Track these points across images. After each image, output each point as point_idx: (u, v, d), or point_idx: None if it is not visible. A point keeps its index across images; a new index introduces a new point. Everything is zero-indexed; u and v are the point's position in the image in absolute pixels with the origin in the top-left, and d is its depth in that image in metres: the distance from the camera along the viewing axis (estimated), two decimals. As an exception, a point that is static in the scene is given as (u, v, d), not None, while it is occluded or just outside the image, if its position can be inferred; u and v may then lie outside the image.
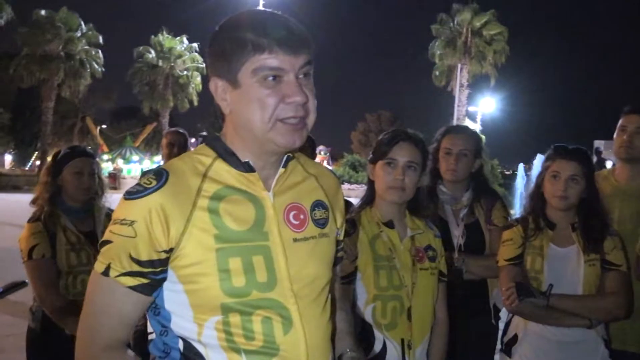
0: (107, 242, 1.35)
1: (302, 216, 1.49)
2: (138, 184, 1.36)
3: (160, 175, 1.36)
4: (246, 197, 1.41)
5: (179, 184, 1.36)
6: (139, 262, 1.32)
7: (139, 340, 2.80)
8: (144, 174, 1.40)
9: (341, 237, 1.67)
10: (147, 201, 1.32)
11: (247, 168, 1.42)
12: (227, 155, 1.43)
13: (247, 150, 1.42)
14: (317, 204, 1.54)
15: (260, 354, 1.37)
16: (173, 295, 1.37)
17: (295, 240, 1.45)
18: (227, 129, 1.46)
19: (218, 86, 1.41)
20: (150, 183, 1.34)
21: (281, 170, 1.47)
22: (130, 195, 1.35)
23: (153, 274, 1.34)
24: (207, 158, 1.43)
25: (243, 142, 1.42)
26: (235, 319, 1.35)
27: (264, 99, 1.35)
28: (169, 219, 1.32)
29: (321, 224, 1.53)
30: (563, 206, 2.67)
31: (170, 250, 1.33)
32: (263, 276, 1.38)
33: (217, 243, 1.35)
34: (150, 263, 1.33)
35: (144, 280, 1.34)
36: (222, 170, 1.42)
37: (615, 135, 3.21)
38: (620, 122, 3.18)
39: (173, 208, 1.32)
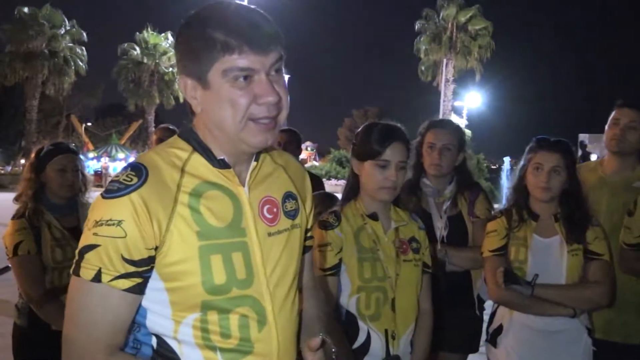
0: (93, 246, 1.27)
1: (275, 209, 1.49)
2: (117, 181, 1.31)
3: (139, 171, 1.31)
4: (224, 192, 1.40)
5: (159, 179, 1.32)
6: (133, 262, 1.28)
7: None
8: (121, 170, 1.36)
9: (309, 225, 1.66)
10: (131, 199, 1.27)
11: (223, 165, 1.41)
12: (203, 150, 1.41)
13: (220, 147, 1.41)
14: (288, 195, 1.54)
15: (235, 352, 1.37)
16: (152, 293, 1.34)
17: (269, 234, 1.45)
18: (198, 125, 1.43)
19: (188, 85, 1.37)
20: (131, 180, 1.29)
21: (254, 163, 1.46)
22: (111, 193, 1.29)
23: (147, 272, 1.30)
24: (183, 152, 1.40)
25: (215, 140, 1.40)
26: (213, 316, 1.35)
27: (236, 100, 1.32)
28: (152, 216, 1.28)
29: (292, 215, 1.53)
30: (546, 197, 2.71)
31: (156, 248, 1.30)
32: (242, 273, 1.38)
33: (200, 240, 1.33)
34: (144, 261, 1.29)
35: (139, 280, 1.30)
36: (200, 165, 1.40)
37: (606, 128, 3.20)
38: (612, 114, 3.18)
39: (156, 205, 1.29)
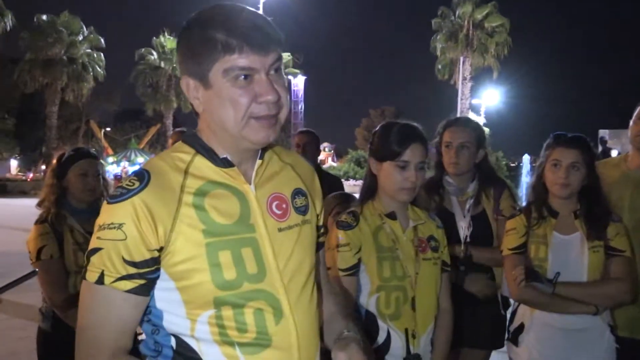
0: (96, 249, 1.32)
1: (284, 205, 1.51)
2: (120, 187, 1.36)
3: (141, 176, 1.36)
4: (229, 190, 1.43)
5: (162, 182, 1.36)
6: (134, 264, 1.31)
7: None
8: (127, 177, 1.40)
9: (320, 223, 1.68)
10: (132, 202, 1.31)
11: (226, 164, 1.43)
12: (206, 152, 1.44)
13: (223, 146, 1.43)
14: (297, 192, 1.56)
15: (253, 346, 1.38)
16: (164, 294, 1.37)
17: (280, 229, 1.47)
18: (202, 126, 1.47)
19: (190, 85, 1.41)
20: (133, 185, 1.34)
21: (259, 162, 1.48)
22: (114, 198, 1.34)
23: (149, 273, 1.33)
24: (186, 155, 1.44)
25: (218, 139, 1.43)
26: (227, 312, 1.36)
27: (237, 99, 1.35)
28: (156, 218, 1.32)
29: (302, 211, 1.55)
30: (565, 194, 2.68)
31: (161, 249, 1.33)
32: (253, 268, 1.39)
33: (206, 238, 1.35)
34: (146, 263, 1.32)
35: (141, 281, 1.33)
36: (203, 166, 1.43)
37: (631, 123, 3.16)
38: (638, 110, 3.13)
39: (158, 207, 1.32)
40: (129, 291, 1.32)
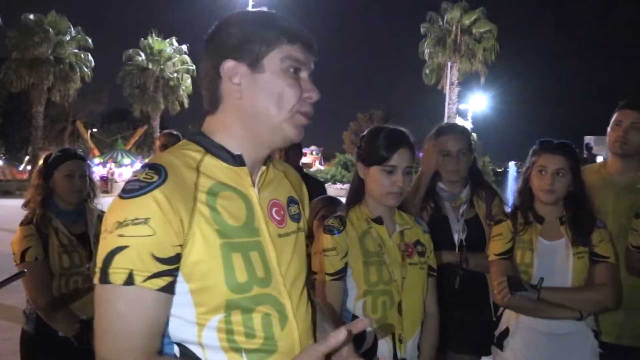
0: (121, 248, 1.21)
1: (282, 212, 1.50)
2: (137, 180, 1.27)
3: (158, 170, 1.28)
4: (236, 193, 1.40)
5: (178, 178, 1.30)
6: (163, 260, 1.23)
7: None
8: (138, 170, 1.33)
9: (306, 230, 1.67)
10: (154, 196, 1.23)
11: (239, 161, 1.40)
12: (216, 150, 1.40)
13: (245, 141, 1.41)
14: (291, 200, 1.56)
15: (260, 352, 1.35)
16: (176, 297, 1.29)
17: (279, 235, 1.46)
18: (224, 119, 1.42)
19: (232, 68, 1.37)
20: (152, 178, 1.26)
21: (263, 167, 1.48)
22: (132, 192, 1.25)
23: (176, 270, 1.26)
24: (196, 153, 1.39)
25: (245, 132, 1.41)
26: (237, 317, 1.32)
27: (288, 89, 1.37)
28: (176, 214, 1.25)
29: (296, 219, 1.55)
30: (550, 200, 2.71)
31: (180, 246, 1.27)
32: (261, 271, 1.37)
33: (220, 238, 1.31)
34: (173, 259, 1.25)
35: (170, 279, 1.25)
36: (212, 166, 1.39)
37: (609, 130, 3.21)
38: (614, 116, 3.18)
39: (178, 202, 1.26)
40: (160, 289, 1.24)
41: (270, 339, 1.36)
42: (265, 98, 1.37)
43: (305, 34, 1.40)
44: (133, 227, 1.22)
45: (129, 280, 1.21)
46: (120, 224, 1.22)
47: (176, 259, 1.26)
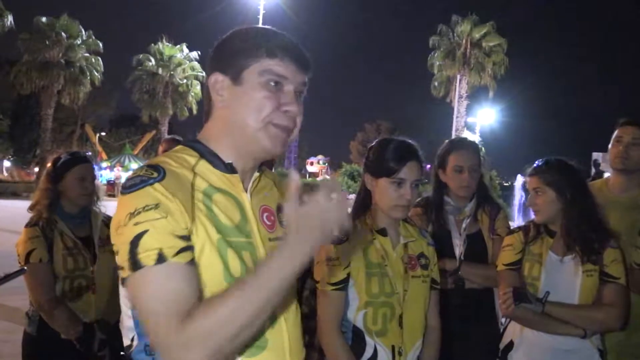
0: (142, 233, 1.24)
1: (272, 217, 1.56)
2: (137, 176, 1.33)
3: (156, 168, 1.35)
4: (229, 196, 1.46)
5: (176, 177, 1.37)
6: (182, 237, 1.28)
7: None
8: (137, 169, 1.38)
9: None
10: (155, 188, 1.30)
11: (230, 169, 1.47)
12: (210, 156, 1.47)
13: (231, 150, 1.47)
14: (280, 207, 1.58)
15: (252, 347, 1.39)
16: None
17: (270, 239, 1.51)
18: (213, 128, 1.50)
19: (218, 81, 1.46)
20: (151, 174, 1.32)
21: (256, 174, 1.54)
22: (135, 186, 1.30)
23: (192, 248, 1.31)
24: (192, 158, 1.46)
25: (230, 141, 1.47)
26: None
27: (263, 101, 1.41)
28: (180, 204, 1.31)
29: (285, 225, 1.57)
30: (539, 221, 2.75)
31: (189, 232, 1.32)
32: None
33: (218, 234, 1.38)
34: (187, 237, 1.30)
35: (192, 255, 1.30)
36: (206, 170, 1.45)
37: (610, 146, 3.24)
38: (615, 133, 3.22)
39: (179, 195, 1.32)
40: (189, 263, 1.28)
41: (261, 335, 1.41)
42: (242, 109, 1.43)
43: (291, 50, 1.44)
44: (146, 213, 1.27)
45: (161, 259, 1.24)
46: (132, 214, 1.27)
47: (189, 239, 1.31)
